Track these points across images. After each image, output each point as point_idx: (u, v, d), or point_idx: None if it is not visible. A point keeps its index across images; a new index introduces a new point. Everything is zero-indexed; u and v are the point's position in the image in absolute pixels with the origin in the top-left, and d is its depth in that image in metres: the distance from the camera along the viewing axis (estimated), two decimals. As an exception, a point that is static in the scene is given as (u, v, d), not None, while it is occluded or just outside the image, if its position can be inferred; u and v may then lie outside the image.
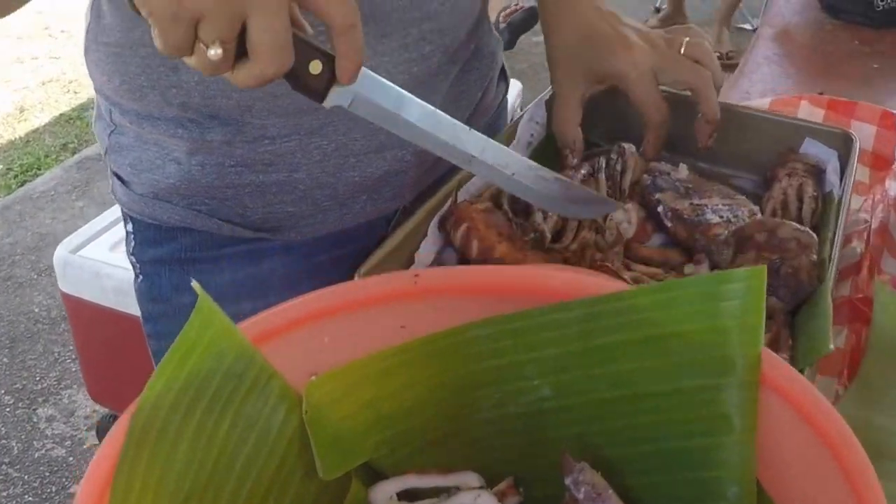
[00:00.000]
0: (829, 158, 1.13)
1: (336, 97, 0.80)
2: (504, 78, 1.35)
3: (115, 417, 2.44)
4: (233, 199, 1.10)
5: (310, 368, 0.64)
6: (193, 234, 1.13)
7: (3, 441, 2.73)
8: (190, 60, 0.73)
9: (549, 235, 0.98)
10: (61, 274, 2.26)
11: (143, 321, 1.22)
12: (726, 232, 0.98)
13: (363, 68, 0.79)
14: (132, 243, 1.19)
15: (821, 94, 1.37)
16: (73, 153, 4.33)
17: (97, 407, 2.77)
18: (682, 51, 1.09)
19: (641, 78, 1.09)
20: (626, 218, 1.04)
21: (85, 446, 2.69)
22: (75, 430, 2.75)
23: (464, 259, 0.96)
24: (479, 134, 0.89)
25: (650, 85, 1.09)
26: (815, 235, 0.92)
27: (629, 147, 1.12)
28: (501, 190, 1.03)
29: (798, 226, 0.94)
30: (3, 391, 2.89)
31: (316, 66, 0.77)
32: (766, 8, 2.62)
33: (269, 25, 0.70)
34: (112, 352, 2.31)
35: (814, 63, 2.26)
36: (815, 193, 1.08)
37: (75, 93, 4.96)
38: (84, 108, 4.78)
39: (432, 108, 0.86)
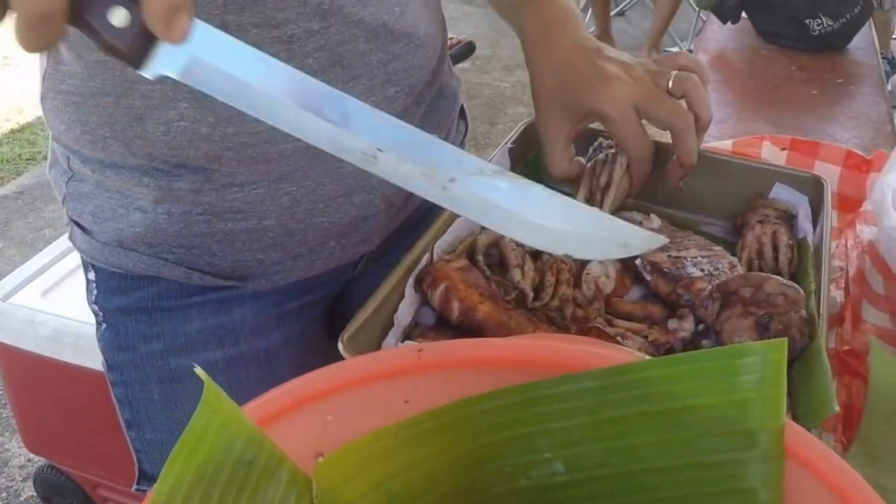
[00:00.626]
0: (800, 204, 1.14)
1: (160, 63, 0.61)
2: (463, 117, 1.34)
3: (52, 468, 2.39)
4: (201, 248, 1.09)
5: (315, 449, 0.62)
6: (161, 282, 1.12)
7: (-67, 496, 2.64)
8: None
9: (530, 294, 0.97)
10: (-8, 322, 2.20)
11: (108, 369, 1.21)
12: (710, 286, 0.97)
13: (200, 22, 0.62)
14: (94, 292, 1.18)
15: (783, 150, 1.38)
16: (-10, 191, 4.26)
17: (32, 456, 2.70)
18: (670, 85, 1.06)
19: (622, 115, 1.05)
20: (604, 271, 1.03)
21: (22, 498, 2.62)
22: (10, 482, 2.67)
23: (442, 319, 0.95)
24: (405, 125, 0.68)
25: (631, 121, 1.05)
26: (801, 290, 0.92)
27: (621, 156, 1.09)
28: (476, 245, 1.02)
29: (784, 280, 0.94)
30: (-71, 440, 2.80)
31: (120, 16, 0.59)
32: (697, 33, 2.65)
33: None
34: (48, 401, 2.25)
35: (752, 89, 2.29)
36: (790, 241, 1.08)
37: (-15, 126, 4.88)
38: (-2, 143, 4.71)
39: (315, 81, 0.66)
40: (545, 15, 1.12)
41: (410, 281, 0.95)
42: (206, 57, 0.61)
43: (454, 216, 1.04)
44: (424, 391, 0.65)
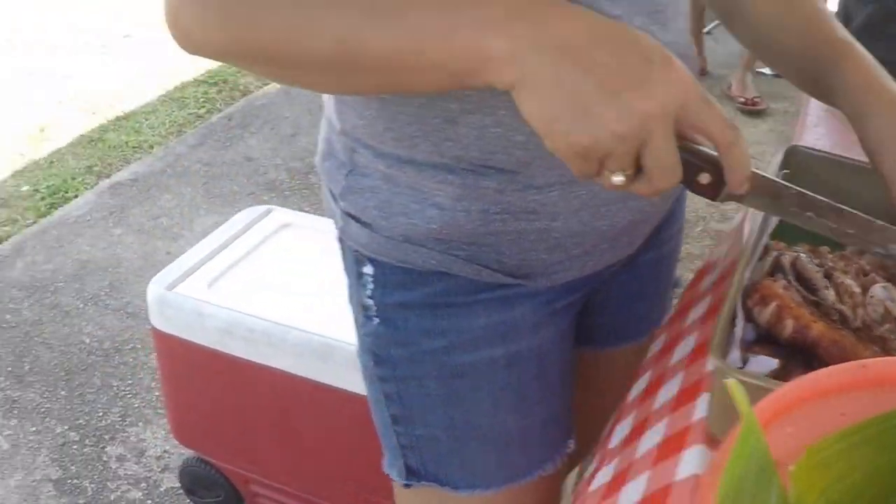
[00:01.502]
0: None
1: (728, 195, 0.90)
2: None
3: (201, 461, 2.45)
4: (491, 246, 1.15)
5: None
6: (449, 278, 1.18)
7: (76, 481, 2.73)
8: (596, 179, 0.85)
9: (850, 315, 1.03)
10: (156, 312, 2.27)
11: (376, 364, 1.27)
12: None
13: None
14: (371, 286, 1.23)
15: None
16: (99, 176, 4.36)
17: (168, 447, 2.80)
18: None
19: None
20: (888, 296, 1.09)
21: (162, 489, 2.69)
22: (149, 472, 2.75)
23: (766, 336, 1.01)
24: (856, 212, 0.96)
25: None
26: None
27: None
28: (781, 265, 1.09)
29: None
30: (66, 427, 2.90)
31: (705, 177, 0.88)
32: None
33: (658, 154, 0.82)
34: (208, 393, 2.32)
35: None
36: None
37: (93, 113, 5.00)
38: (104, 129, 4.82)
39: (812, 194, 0.94)
40: (864, 61, 1.16)
41: (740, 299, 1.02)
42: (755, 191, 0.91)
43: (761, 235, 1.10)
44: (858, 404, 0.71)
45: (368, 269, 1.22)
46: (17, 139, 4.74)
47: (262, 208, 2.57)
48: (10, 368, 3.16)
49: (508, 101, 0.97)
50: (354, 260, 1.24)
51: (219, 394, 2.30)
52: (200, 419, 2.40)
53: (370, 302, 1.23)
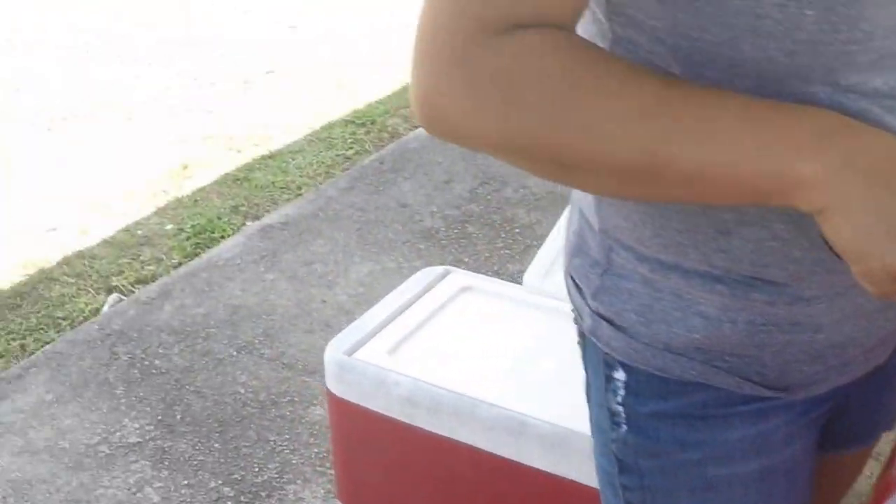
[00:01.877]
0: None
1: None
2: None
3: (368, 528, 2.49)
4: (753, 358, 1.15)
5: None
6: (708, 390, 1.18)
7: (231, 540, 2.78)
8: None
9: None
10: (334, 376, 2.32)
11: (621, 471, 1.27)
12: None
13: None
14: (622, 392, 1.23)
15: None
16: (245, 217, 4.45)
17: (326, 506, 2.83)
18: None
19: None
20: None
21: (322, 553, 2.74)
22: (309, 534, 2.79)
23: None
24: None
25: None
26: None
27: None
28: None
29: None
30: (220, 481, 2.95)
31: None
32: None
33: None
34: (385, 463, 2.36)
35: None
36: None
37: (238, 151, 5.10)
38: (250, 168, 4.91)
39: None
40: None
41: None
42: None
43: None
44: None
45: (620, 375, 1.22)
46: (160, 176, 4.87)
47: (439, 269, 2.61)
48: (160, 417, 3.22)
49: (785, 215, 0.99)
50: (604, 363, 1.24)
51: (397, 463, 2.34)
52: (373, 486, 2.43)
53: (620, 409, 1.24)
